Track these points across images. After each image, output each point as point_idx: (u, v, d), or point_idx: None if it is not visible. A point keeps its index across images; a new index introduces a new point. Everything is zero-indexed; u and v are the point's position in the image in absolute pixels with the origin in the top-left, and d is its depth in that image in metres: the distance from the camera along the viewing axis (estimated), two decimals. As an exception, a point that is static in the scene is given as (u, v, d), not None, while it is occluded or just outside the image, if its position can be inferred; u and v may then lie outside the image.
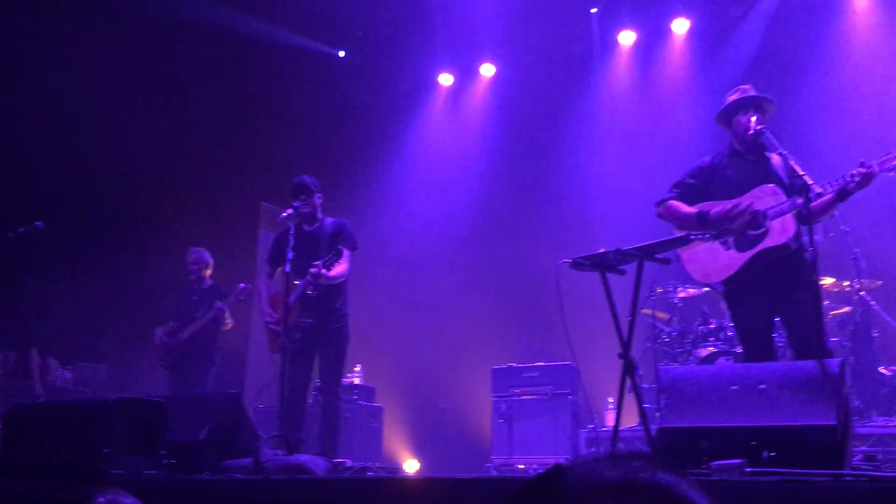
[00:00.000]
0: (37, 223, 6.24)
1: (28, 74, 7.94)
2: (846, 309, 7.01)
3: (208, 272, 7.36)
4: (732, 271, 4.34)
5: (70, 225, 8.08)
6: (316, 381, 6.00)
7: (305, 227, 5.76)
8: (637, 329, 4.04)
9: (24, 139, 7.90)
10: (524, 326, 8.59)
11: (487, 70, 10.10)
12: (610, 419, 6.87)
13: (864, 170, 4.09)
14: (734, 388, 3.48)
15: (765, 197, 4.31)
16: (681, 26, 9.07)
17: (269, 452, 4.64)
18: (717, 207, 4.35)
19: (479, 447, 7.84)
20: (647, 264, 4.07)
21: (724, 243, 4.36)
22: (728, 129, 4.66)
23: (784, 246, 4.23)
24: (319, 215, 5.85)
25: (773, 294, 4.31)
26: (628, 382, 3.85)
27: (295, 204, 5.60)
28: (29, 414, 4.46)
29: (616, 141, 9.09)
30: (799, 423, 3.23)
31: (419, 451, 8.89)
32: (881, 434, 5.86)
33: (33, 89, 7.92)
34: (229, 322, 7.22)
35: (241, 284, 7.08)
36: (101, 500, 1.16)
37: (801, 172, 4.04)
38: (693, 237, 4.29)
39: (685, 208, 4.50)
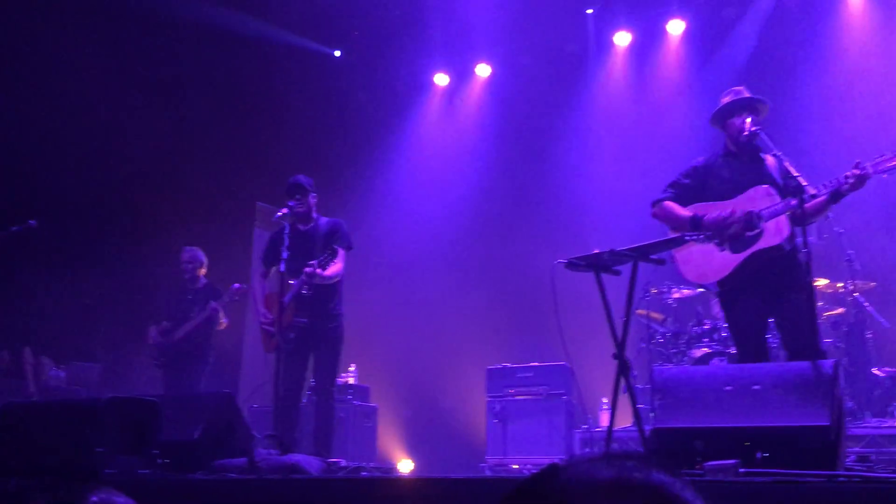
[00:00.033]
0: (31, 222, 6.22)
1: (24, 73, 7.92)
2: (840, 310, 7.03)
3: (203, 271, 7.34)
4: (727, 272, 4.34)
5: (64, 223, 8.05)
6: (310, 381, 6.00)
7: (300, 227, 5.75)
8: (631, 330, 4.05)
9: (19, 137, 7.87)
10: (519, 326, 8.59)
11: (483, 70, 10.10)
12: (604, 419, 6.88)
13: (858, 171, 4.10)
14: (728, 388, 3.49)
15: (759, 198, 4.32)
16: (676, 27, 9.09)
17: (263, 452, 4.64)
18: (711, 213, 4.35)
19: (474, 447, 7.84)
20: (642, 265, 4.07)
21: (719, 244, 4.37)
22: (722, 130, 4.67)
23: (778, 247, 4.24)
24: (314, 215, 5.84)
25: (767, 295, 4.32)
26: (622, 383, 3.86)
27: (290, 203, 5.59)
28: (22, 413, 4.45)
29: (611, 141, 9.10)
30: (793, 424, 3.24)
31: (413, 451, 8.88)
32: (874, 435, 5.88)
33: (29, 87, 7.90)
34: (223, 322, 7.20)
35: (236, 284, 7.06)
36: (94, 499, 1.16)
37: (796, 174, 4.05)
38: (687, 238, 4.30)
39: (680, 211, 4.51)
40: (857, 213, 6.74)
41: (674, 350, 7.16)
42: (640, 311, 7.21)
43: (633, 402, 3.98)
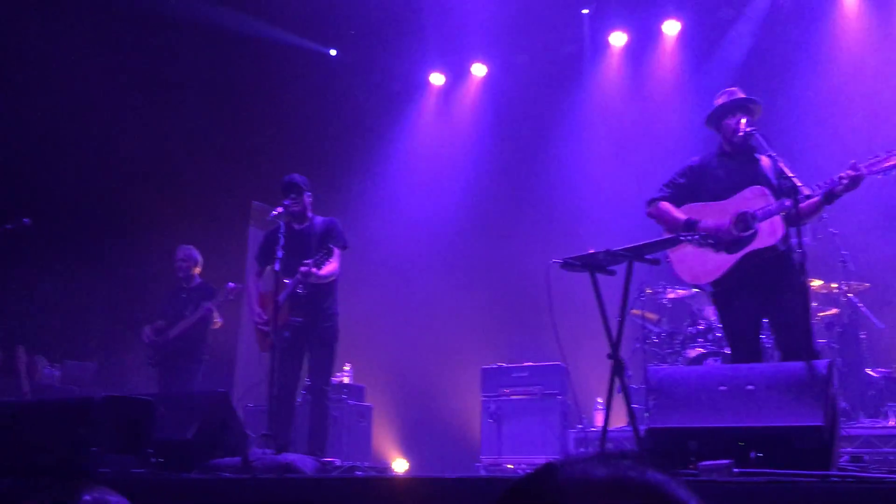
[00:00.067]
0: (24, 220, 6.19)
1: (18, 71, 7.89)
2: (834, 311, 7.05)
3: (197, 270, 7.32)
4: (721, 273, 4.35)
5: (59, 222, 8.03)
6: (305, 381, 5.99)
7: (295, 226, 5.75)
8: (626, 330, 4.05)
9: (13, 135, 7.84)
10: (514, 326, 8.59)
11: (479, 70, 10.11)
12: (599, 419, 6.89)
13: (852, 172, 4.12)
14: (722, 388, 3.50)
15: (753, 198, 4.34)
16: (672, 28, 9.11)
17: (257, 451, 4.63)
18: (706, 221, 4.36)
19: (469, 447, 7.85)
20: (637, 265, 4.08)
21: (713, 247, 4.38)
22: (717, 131, 4.68)
23: (772, 248, 4.25)
24: (309, 214, 5.84)
25: (761, 295, 4.33)
26: (617, 383, 3.86)
27: (285, 202, 5.58)
28: (16, 412, 4.44)
29: (606, 142, 9.11)
30: (786, 424, 3.25)
31: (408, 450, 8.88)
32: (868, 435, 5.90)
33: (23, 86, 7.88)
34: (218, 321, 7.19)
35: (230, 284, 7.05)
36: (88, 498, 1.15)
37: (790, 174, 4.06)
38: (682, 238, 4.31)
39: (675, 213, 4.52)
40: (851, 214, 6.75)
41: (668, 350, 7.17)
42: (634, 311, 7.22)
43: (628, 402, 3.98)
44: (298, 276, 5.38)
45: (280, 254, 5.26)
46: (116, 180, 8.57)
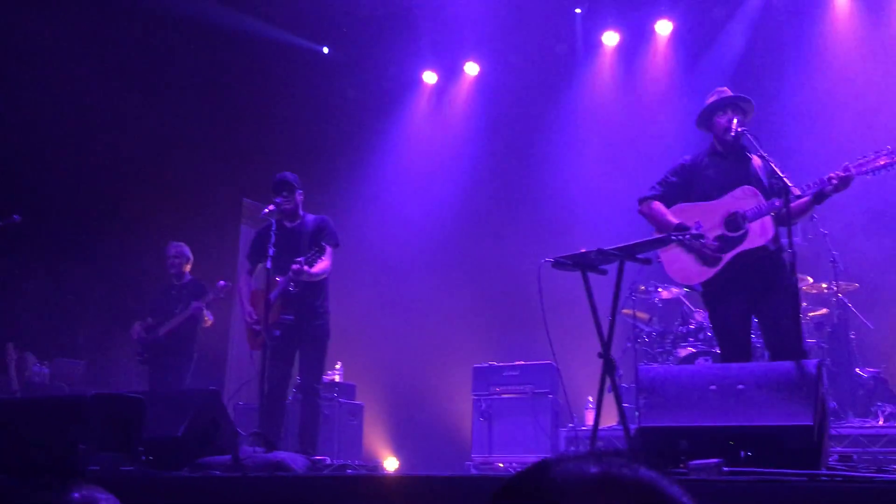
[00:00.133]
0: (15, 216, 6.17)
1: (11, 66, 7.84)
2: (824, 311, 7.09)
3: (188, 267, 7.30)
4: (712, 273, 4.37)
5: (49, 219, 8.00)
6: (296, 379, 5.98)
7: (287, 224, 5.74)
8: (617, 329, 4.06)
9: (3, 132, 7.81)
10: (505, 325, 8.60)
11: (471, 68, 10.11)
12: (590, 418, 6.90)
13: (842, 173, 4.13)
14: (713, 388, 3.51)
15: (744, 198, 4.35)
16: (664, 28, 9.13)
17: (248, 449, 4.62)
18: (695, 229, 4.37)
19: (460, 445, 7.85)
20: (629, 264, 4.09)
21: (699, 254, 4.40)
22: (708, 131, 4.69)
23: (763, 248, 4.27)
24: (301, 212, 5.83)
25: (751, 295, 4.35)
26: (608, 382, 3.87)
27: (277, 200, 5.57)
28: (5, 409, 4.42)
29: (599, 141, 9.13)
30: (776, 424, 3.26)
31: (399, 448, 8.88)
32: (857, 435, 5.93)
33: (13, 82, 7.83)
34: (209, 319, 7.17)
35: (221, 282, 7.03)
36: (77, 496, 1.15)
37: (781, 174, 4.08)
38: (673, 238, 4.32)
39: (666, 214, 4.53)
40: (841, 214, 6.79)
41: (659, 349, 7.19)
42: (626, 311, 7.23)
43: (619, 401, 4.00)
44: (290, 274, 5.37)
45: (271, 252, 5.25)
46: (108, 177, 8.54)
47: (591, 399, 6.97)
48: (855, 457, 4.61)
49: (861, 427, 6.08)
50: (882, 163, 4.16)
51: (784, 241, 4.02)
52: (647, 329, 7.46)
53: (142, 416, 4.18)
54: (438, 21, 9.26)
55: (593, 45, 9.52)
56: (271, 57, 9.44)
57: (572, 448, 6.75)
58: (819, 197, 4.21)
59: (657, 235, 4.44)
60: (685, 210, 4.54)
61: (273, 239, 5.31)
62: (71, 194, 8.39)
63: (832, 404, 6.19)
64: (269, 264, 5.25)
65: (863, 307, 7.04)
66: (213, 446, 4.54)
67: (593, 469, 0.85)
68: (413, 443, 8.67)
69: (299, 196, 5.78)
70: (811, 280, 7.04)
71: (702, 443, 3.30)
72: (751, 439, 3.25)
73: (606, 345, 3.88)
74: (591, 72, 9.55)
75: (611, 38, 9.42)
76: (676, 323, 7.27)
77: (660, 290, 7.44)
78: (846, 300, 7.00)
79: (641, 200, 4.67)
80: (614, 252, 3.98)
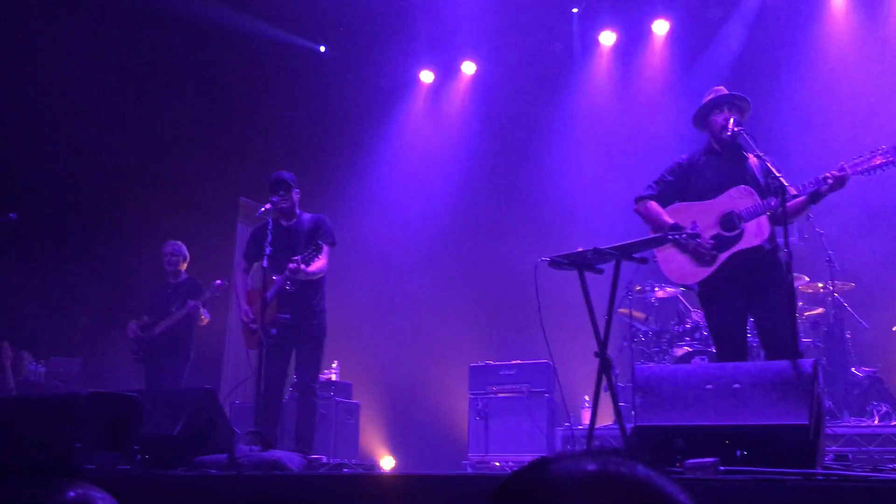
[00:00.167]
0: (11, 215, 6.15)
1: (8, 65, 7.82)
2: (819, 310, 7.10)
3: (185, 266, 7.30)
4: (708, 273, 4.37)
5: (45, 217, 7.98)
6: (292, 378, 5.98)
7: (283, 223, 5.73)
8: (614, 328, 4.06)
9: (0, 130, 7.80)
10: (502, 324, 8.61)
11: (469, 68, 10.11)
12: (586, 417, 6.91)
13: (837, 173, 4.14)
14: (709, 387, 3.51)
15: (740, 198, 4.35)
16: (661, 28, 9.14)
17: (244, 448, 4.62)
18: (690, 229, 4.38)
19: (456, 444, 7.85)
20: (625, 264, 4.09)
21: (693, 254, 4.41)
22: (705, 130, 4.70)
23: (759, 247, 4.28)
24: (297, 211, 5.83)
25: (747, 294, 4.36)
26: (604, 381, 3.87)
27: (273, 199, 5.57)
28: (0, 408, 4.41)
29: (595, 140, 9.13)
30: (772, 423, 3.26)
31: (395, 447, 8.88)
32: (852, 434, 5.94)
33: (9, 80, 7.81)
34: (205, 318, 7.17)
35: (217, 281, 7.02)
36: (72, 494, 1.15)
37: (777, 173, 4.08)
38: (670, 237, 4.33)
39: (662, 214, 4.53)
40: (837, 214, 6.81)
41: (656, 349, 7.20)
42: (622, 310, 7.24)
43: (615, 401, 4.00)
44: (287, 272, 5.37)
45: (268, 250, 5.25)
46: (104, 176, 8.53)
47: (587, 398, 6.97)
48: (850, 456, 4.63)
49: (856, 426, 6.09)
50: (878, 162, 4.17)
51: (780, 240, 4.03)
52: (643, 328, 7.47)
53: (138, 414, 4.18)
54: (435, 20, 9.25)
55: (590, 44, 9.53)
56: (268, 56, 9.43)
57: (569, 447, 6.76)
58: (815, 196, 4.22)
59: (653, 235, 4.44)
60: (681, 209, 4.54)
61: (270, 238, 5.30)
62: (67, 193, 8.38)
63: (828, 404, 6.20)
64: (265, 263, 5.25)
65: (858, 307, 7.05)
66: (210, 445, 4.53)
67: (590, 466, 0.85)
68: (409, 442, 8.67)
69: (296, 195, 5.78)
70: (807, 279, 7.05)
71: (698, 442, 3.30)
72: (747, 438, 3.26)
73: (603, 344, 3.88)
74: (587, 71, 9.55)
75: (607, 38, 9.43)
76: (673, 322, 7.28)
77: (656, 289, 7.45)
78: (842, 300, 7.02)
79: (638, 200, 4.68)
80: (611, 251, 3.98)
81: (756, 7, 8.67)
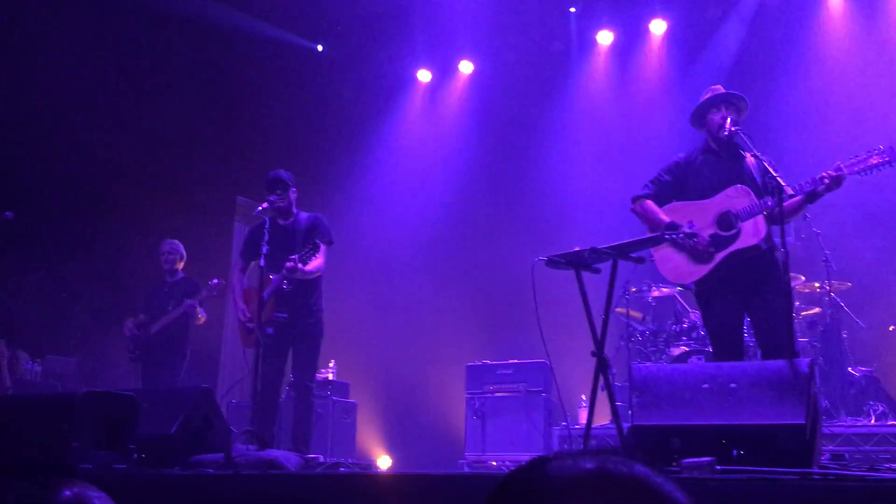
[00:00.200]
0: (7, 214, 6.15)
1: (4, 64, 7.80)
2: (816, 310, 7.11)
3: (181, 265, 7.29)
4: (704, 272, 4.38)
5: (41, 216, 7.97)
6: (289, 377, 5.97)
7: (280, 222, 5.73)
8: (611, 327, 4.06)
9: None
10: (499, 323, 8.61)
11: (466, 67, 10.11)
12: (583, 417, 6.91)
13: (833, 172, 4.15)
14: (705, 386, 3.51)
15: (737, 197, 4.36)
16: (658, 27, 9.15)
17: (241, 447, 4.62)
18: (686, 228, 4.38)
19: (453, 444, 7.86)
20: (622, 263, 4.09)
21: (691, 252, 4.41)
22: (702, 128, 4.70)
23: (755, 247, 4.28)
24: (295, 210, 5.83)
25: (744, 294, 4.36)
26: (601, 380, 3.87)
27: (270, 198, 5.57)
28: (-4, 407, 4.40)
29: (593, 140, 9.14)
30: (768, 422, 3.26)
31: (392, 447, 8.88)
32: (849, 433, 5.95)
33: (7, 78, 7.80)
34: (202, 316, 7.16)
35: (214, 280, 7.02)
36: (68, 493, 1.15)
37: (774, 173, 4.09)
38: (667, 237, 4.33)
39: (659, 213, 4.54)
40: (833, 214, 6.81)
41: (652, 348, 7.21)
42: (619, 310, 7.25)
43: (612, 400, 4.00)
44: (284, 271, 5.37)
45: (265, 249, 5.25)
46: (101, 175, 8.51)
47: (584, 397, 6.98)
48: (847, 455, 4.63)
49: (853, 426, 6.10)
50: (874, 162, 4.17)
51: (777, 240, 4.03)
52: (640, 328, 7.47)
53: (134, 414, 4.17)
54: (433, 19, 9.25)
55: (588, 44, 9.53)
56: (266, 55, 9.42)
57: (565, 446, 6.76)
58: (811, 196, 4.22)
59: (650, 234, 4.45)
60: (678, 209, 4.55)
61: (267, 237, 5.30)
62: (64, 192, 8.36)
63: (824, 403, 6.22)
64: (262, 262, 5.24)
65: (855, 306, 7.07)
66: (206, 444, 4.53)
67: (589, 465, 0.86)
68: (406, 441, 8.67)
69: (293, 194, 5.78)
70: (803, 279, 7.06)
71: (694, 441, 3.30)
72: (743, 438, 3.26)
73: (600, 343, 3.88)
74: (585, 71, 9.56)
75: (605, 38, 9.43)
76: (670, 322, 7.28)
77: (653, 288, 7.46)
78: (838, 299, 7.02)
79: (634, 199, 4.68)
80: (608, 251, 3.98)
81: (753, 7, 8.68)
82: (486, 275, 8.89)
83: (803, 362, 3.45)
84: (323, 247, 5.57)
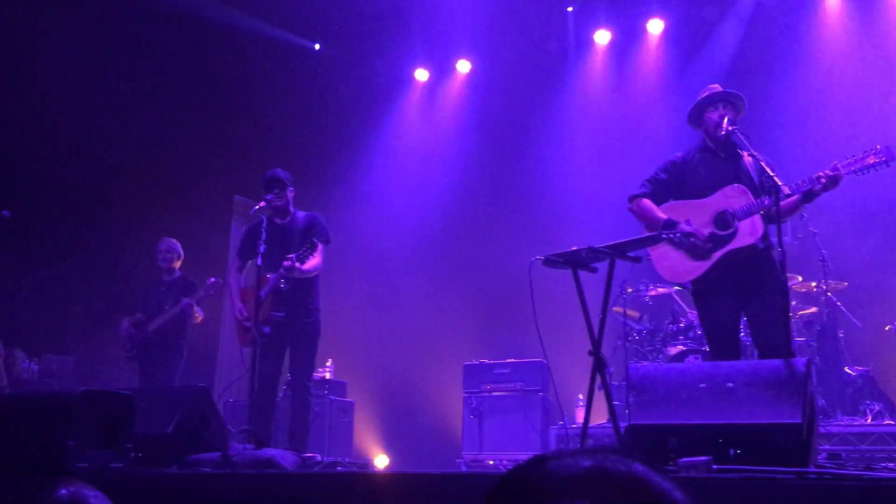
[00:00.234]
0: (4, 212, 6.14)
1: (1, 62, 7.79)
2: (813, 309, 7.12)
3: (178, 263, 7.28)
4: (701, 271, 4.38)
5: (39, 214, 7.96)
6: (286, 376, 5.97)
7: (277, 221, 5.73)
8: (608, 327, 4.07)
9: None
10: (496, 323, 8.61)
11: (464, 66, 10.11)
12: (580, 416, 6.91)
13: (830, 172, 4.15)
14: (702, 385, 3.52)
15: (734, 196, 4.36)
16: (656, 27, 9.16)
17: (238, 447, 4.61)
18: (684, 225, 4.38)
19: (450, 443, 7.86)
20: (619, 262, 4.09)
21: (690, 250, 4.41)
22: (699, 127, 4.70)
23: (752, 246, 4.28)
24: (292, 209, 5.82)
25: (741, 293, 4.36)
26: (598, 380, 3.88)
27: (268, 197, 5.57)
28: (-7, 406, 4.39)
29: (590, 139, 9.14)
30: (765, 422, 3.27)
31: (390, 446, 8.88)
32: (845, 433, 5.96)
33: (3, 76, 7.78)
34: (199, 315, 7.15)
35: (211, 279, 7.01)
36: (64, 492, 1.15)
37: (771, 173, 4.09)
38: (664, 236, 4.33)
39: (656, 211, 4.54)
40: (830, 213, 6.83)
41: (649, 347, 7.21)
42: (616, 309, 7.25)
43: (609, 399, 4.00)
44: (281, 270, 5.36)
45: (262, 248, 5.25)
46: (98, 174, 8.50)
47: (581, 397, 6.98)
48: (843, 455, 4.64)
49: (849, 425, 6.11)
50: (871, 162, 4.18)
51: (773, 239, 4.03)
52: (637, 327, 7.48)
53: (131, 412, 4.16)
54: (431, 18, 9.25)
55: (585, 43, 9.54)
56: (263, 53, 9.42)
57: (563, 446, 6.76)
58: (808, 196, 4.23)
59: (648, 234, 4.45)
60: (675, 208, 4.55)
61: (264, 236, 5.30)
62: (61, 190, 8.35)
63: (821, 402, 6.22)
64: (259, 261, 5.24)
65: (851, 306, 7.08)
66: (203, 443, 4.52)
67: (588, 463, 0.86)
68: (404, 440, 8.67)
69: (290, 193, 5.78)
70: (800, 279, 7.07)
71: (691, 440, 3.31)
72: (740, 437, 3.26)
73: (597, 342, 3.88)
74: (582, 70, 9.56)
75: (602, 37, 9.44)
76: (667, 321, 7.29)
77: (650, 288, 7.46)
78: (835, 299, 7.04)
79: (631, 198, 4.68)
80: (605, 250, 3.98)
81: (751, 7, 8.68)
82: (484, 274, 8.89)
83: (800, 362, 3.45)
84: (320, 246, 5.57)
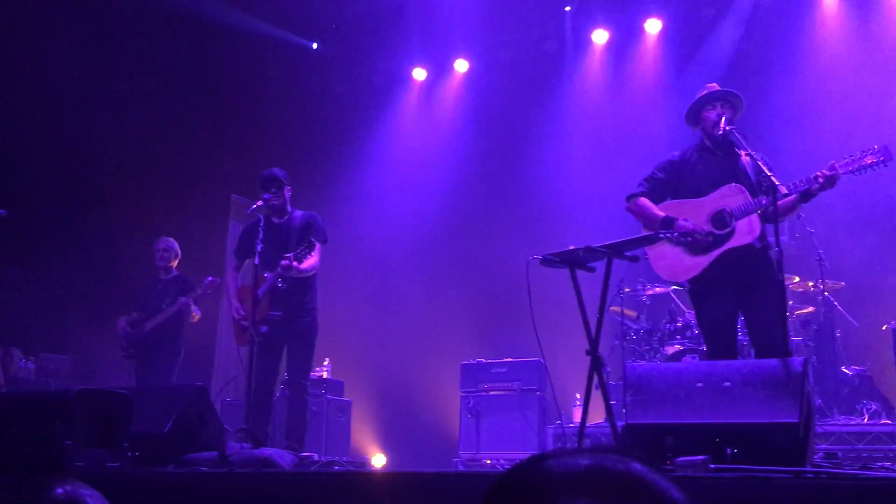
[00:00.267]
0: (0, 211, 6.12)
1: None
2: (810, 309, 7.13)
3: (175, 262, 7.28)
4: (699, 270, 4.38)
5: (35, 213, 7.94)
6: (284, 375, 5.97)
7: (275, 220, 5.73)
8: (605, 326, 4.06)
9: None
10: (493, 322, 8.61)
11: (461, 65, 10.10)
12: (577, 415, 6.92)
13: (828, 172, 4.16)
14: (699, 385, 3.52)
15: (731, 195, 4.36)
16: (653, 26, 9.16)
17: (235, 446, 4.61)
18: (682, 220, 4.39)
19: (447, 442, 7.86)
20: (617, 262, 4.09)
21: (689, 246, 4.41)
22: (697, 126, 4.70)
23: (749, 246, 4.29)
24: (289, 208, 5.82)
25: (738, 293, 4.37)
26: (595, 379, 3.88)
27: (265, 196, 5.56)
28: (-11, 405, 4.39)
29: (587, 139, 9.14)
30: (762, 421, 3.27)
31: (387, 445, 8.88)
32: (842, 432, 5.97)
33: (2, 76, 7.77)
34: (196, 314, 7.15)
35: (209, 278, 7.00)
36: (60, 491, 1.14)
37: (769, 172, 4.09)
38: (661, 235, 4.34)
39: (653, 210, 4.54)
40: (828, 213, 6.83)
41: (647, 347, 7.22)
42: (613, 308, 7.25)
43: (606, 398, 4.00)
44: (279, 269, 5.36)
45: (259, 248, 5.25)
46: (96, 172, 8.49)
47: (578, 396, 6.99)
48: (840, 454, 4.65)
49: (846, 424, 6.12)
50: (868, 162, 4.18)
51: (771, 238, 4.04)
52: (634, 326, 7.48)
53: (128, 411, 4.16)
54: (428, 18, 9.25)
55: (583, 42, 9.53)
56: (260, 52, 9.41)
57: (560, 445, 6.77)
58: (806, 195, 4.23)
59: (645, 233, 4.45)
60: (672, 207, 4.55)
61: (261, 235, 5.30)
62: (58, 189, 8.34)
63: (817, 402, 6.23)
64: (256, 260, 5.24)
65: (849, 305, 7.09)
66: (200, 442, 4.52)
67: (586, 462, 0.86)
68: (401, 439, 8.67)
69: (287, 192, 5.77)
70: (797, 279, 7.08)
71: (688, 440, 3.31)
72: (737, 436, 3.27)
73: (594, 342, 3.89)
74: (580, 69, 9.56)
75: (600, 36, 9.44)
76: (664, 320, 7.30)
77: (648, 287, 7.47)
78: (832, 298, 7.05)
79: (629, 198, 4.68)
80: (602, 249, 3.98)
81: (748, 6, 8.69)
82: (481, 273, 8.90)
83: (797, 361, 3.46)
84: (318, 245, 5.57)
